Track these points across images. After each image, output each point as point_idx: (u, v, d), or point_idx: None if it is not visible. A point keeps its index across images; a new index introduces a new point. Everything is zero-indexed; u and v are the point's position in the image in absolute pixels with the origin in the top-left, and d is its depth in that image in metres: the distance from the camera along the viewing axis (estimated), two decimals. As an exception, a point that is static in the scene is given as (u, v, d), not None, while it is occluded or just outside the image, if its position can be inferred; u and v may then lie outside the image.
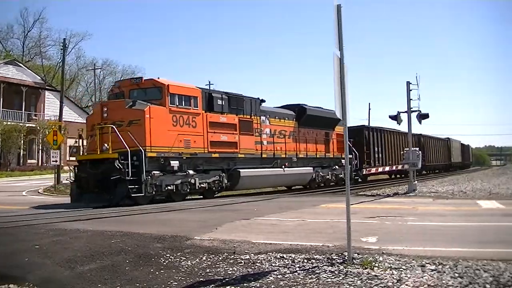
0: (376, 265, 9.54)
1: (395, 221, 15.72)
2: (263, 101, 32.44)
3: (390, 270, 9.24)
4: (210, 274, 9.40)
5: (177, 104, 26.13)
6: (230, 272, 9.46)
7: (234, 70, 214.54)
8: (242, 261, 10.25)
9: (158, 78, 26.45)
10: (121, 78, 26.56)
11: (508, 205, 20.55)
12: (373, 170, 40.82)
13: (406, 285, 8.36)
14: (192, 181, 26.79)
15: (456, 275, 8.83)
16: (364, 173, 39.63)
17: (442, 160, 74.16)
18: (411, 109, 30.19)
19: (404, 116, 29.93)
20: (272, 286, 8.53)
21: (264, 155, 31.84)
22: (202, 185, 27.41)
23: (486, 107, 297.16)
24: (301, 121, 35.39)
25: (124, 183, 23.57)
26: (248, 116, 30.80)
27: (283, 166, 32.78)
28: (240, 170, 29.42)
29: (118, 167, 23.51)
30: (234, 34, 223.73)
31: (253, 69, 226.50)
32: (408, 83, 30.43)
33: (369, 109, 77.80)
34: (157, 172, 24.90)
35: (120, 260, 10.60)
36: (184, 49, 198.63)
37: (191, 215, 19.43)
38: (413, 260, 9.91)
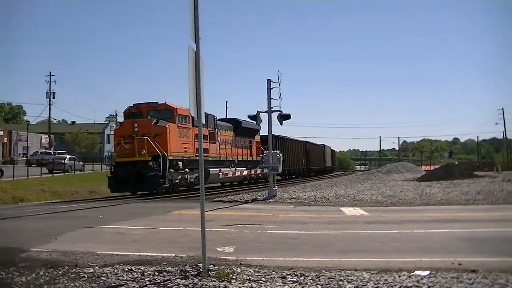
0: (234, 277, 9.47)
1: (254, 229, 15.76)
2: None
3: (249, 282, 9.20)
4: (48, 290, 8.96)
5: (181, 122, 36.26)
6: (71, 288, 9.07)
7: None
8: (86, 275, 9.92)
9: (166, 102, 36.28)
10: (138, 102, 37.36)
11: (372, 211, 21.07)
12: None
13: (266, 298, 8.31)
14: (186, 176, 36.78)
15: (319, 286, 8.92)
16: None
17: (319, 164, 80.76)
18: (272, 109, 30.09)
19: (264, 117, 30.02)
20: (119, 302, 8.27)
21: (221, 158, 42.14)
22: (191, 179, 37.42)
23: (353, 111, 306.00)
24: (237, 132, 46.00)
25: (156, 177, 33.30)
26: (212, 129, 40.80)
27: (231, 167, 42.68)
28: (210, 169, 38.97)
29: (152, 166, 33.23)
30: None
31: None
32: (269, 81, 30.27)
33: (226, 108, 77.73)
34: (172, 170, 34.74)
35: None
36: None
37: (29, 222, 18.69)
38: (273, 271, 9.93)
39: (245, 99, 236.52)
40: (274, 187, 30.27)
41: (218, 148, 41.60)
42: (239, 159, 45.78)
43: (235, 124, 46.44)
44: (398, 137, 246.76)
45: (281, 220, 18.44)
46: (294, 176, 64.36)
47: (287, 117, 30.27)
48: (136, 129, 34.53)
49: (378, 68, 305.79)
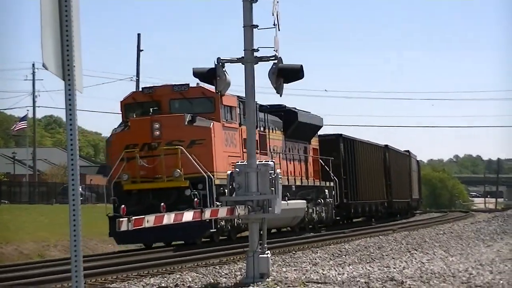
0: None
1: None
2: None
3: None
4: None
5: (226, 118, 29.99)
6: None
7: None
8: None
9: (200, 85, 28.60)
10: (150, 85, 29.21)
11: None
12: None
13: None
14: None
15: None
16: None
17: (404, 195, 59.18)
18: (256, 52, 16.45)
19: (234, 69, 17.56)
20: None
21: None
22: (239, 221, 29.45)
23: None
24: (288, 131, 36.57)
25: None
26: (262, 130, 32.72)
27: (286, 198, 32.62)
28: None
29: (192, 197, 26.76)
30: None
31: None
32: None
33: (139, 50, 60.16)
34: (218, 203, 26.94)
35: None
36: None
37: None
38: None
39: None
40: (265, 253, 16.54)
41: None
42: (297, 183, 36.30)
43: (286, 117, 36.31)
44: None
45: None
46: (362, 218, 49.92)
47: (295, 73, 17.00)
48: (158, 132, 27.90)
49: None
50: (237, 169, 16.63)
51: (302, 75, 16.45)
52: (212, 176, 27.35)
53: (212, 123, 28.49)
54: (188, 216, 15.82)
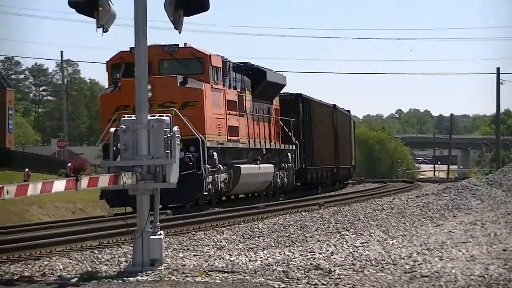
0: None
1: None
2: None
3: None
4: None
5: (214, 80, 31.14)
6: None
7: None
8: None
9: (190, 45, 30.96)
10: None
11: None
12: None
13: None
14: (216, 178, 30.77)
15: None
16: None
17: (347, 161, 58.43)
18: None
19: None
20: None
21: (251, 145, 35.36)
22: (221, 185, 31.59)
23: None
24: (256, 91, 37.08)
25: (195, 178, 28.41)
26: (239, 90, 34.26)
27: (258, 161, 35.27)
28: (240, 166, 33.13)
29: (186, 160, 27.76)
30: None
31: None
32: None
33: None
34: (208, 166, 29.59)
35: None
36: None
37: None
38: None
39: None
40: (157, 233, 13.87)
41: (247, 125, 35.27)
42: (267, 146, 37.95)
43: (254, 76, 37.01)
44: None
45: None
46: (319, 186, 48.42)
47: (197, 3, 14.52)
48: (150, 93, 26.17)
49: None
50: (123, 126, 13.54)
51: (207, 6, 13.77)
52: (204, 139, 28.69)
53: (203, 85, 29.88)
54: (59, 186, 12.82)
